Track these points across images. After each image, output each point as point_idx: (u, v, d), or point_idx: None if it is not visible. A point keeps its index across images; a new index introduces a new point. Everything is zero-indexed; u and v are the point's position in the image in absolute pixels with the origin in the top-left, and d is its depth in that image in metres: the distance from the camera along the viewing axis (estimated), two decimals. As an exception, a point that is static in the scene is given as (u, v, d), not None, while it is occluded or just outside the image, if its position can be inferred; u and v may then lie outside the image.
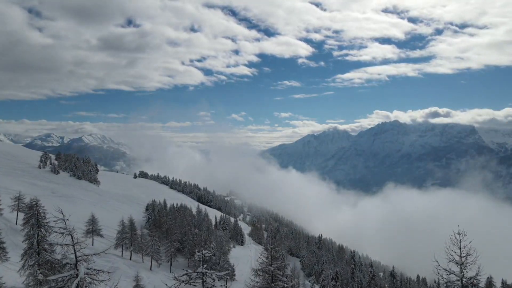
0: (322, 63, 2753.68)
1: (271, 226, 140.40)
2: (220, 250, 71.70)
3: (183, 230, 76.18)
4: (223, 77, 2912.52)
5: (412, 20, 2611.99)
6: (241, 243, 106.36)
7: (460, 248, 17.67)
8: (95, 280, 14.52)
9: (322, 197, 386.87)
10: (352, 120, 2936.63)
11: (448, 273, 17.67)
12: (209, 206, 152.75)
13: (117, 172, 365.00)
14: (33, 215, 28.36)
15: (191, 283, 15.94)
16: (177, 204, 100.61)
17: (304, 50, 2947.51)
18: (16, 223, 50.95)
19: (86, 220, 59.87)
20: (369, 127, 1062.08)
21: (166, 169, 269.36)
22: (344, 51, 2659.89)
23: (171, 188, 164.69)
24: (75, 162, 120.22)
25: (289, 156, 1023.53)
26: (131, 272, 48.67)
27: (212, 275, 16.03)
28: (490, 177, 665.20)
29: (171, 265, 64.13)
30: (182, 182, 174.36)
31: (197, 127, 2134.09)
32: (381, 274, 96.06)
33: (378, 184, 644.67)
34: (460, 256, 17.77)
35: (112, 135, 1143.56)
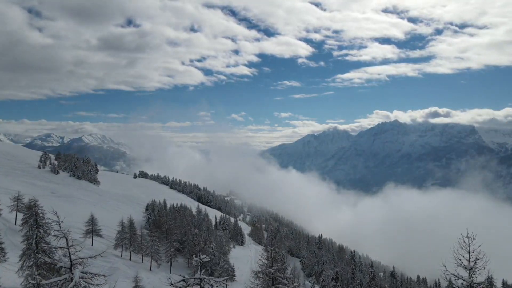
0: (322, 63, 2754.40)
1: (271, 226, 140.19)
2: (220, 250, 71.52)
3: (183, 230, 76.00)
4: (223, 77, 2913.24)
5: (412, 20, 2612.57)
6: (241, 243, 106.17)
7: (469, 252, 17.16)
8: (91, 284, 14.13)
9: (322, 197, 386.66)
10: (352, 120, 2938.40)
11: (456, 278, 17.18)
12: (209, 206, 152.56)
13: (117, 172, 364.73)
14: (31, 216, 28.19)
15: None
16: (177, 204, 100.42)
17: (304, 50, 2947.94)
18: (15, 223, 50.76)
19: (85, 220, 59.67)
20: (369, 127, 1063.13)
21: (166, 169, 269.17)
22: (344, 51, 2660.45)
23: (171, 188, 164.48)
24: (75, 162, 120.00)
25: (289, 156, 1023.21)
26: (131, 272, 48.50)
27: (210, 281, 15.72)
28: (490, 177, 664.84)
29: (171, 265, 63.96)
30: (182, 182, 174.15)
31: (197, 127, 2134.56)
32: (381, 274, 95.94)
33: (378, 184, 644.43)
34: (469, 261, 17.15)
35: (112, 135, 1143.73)
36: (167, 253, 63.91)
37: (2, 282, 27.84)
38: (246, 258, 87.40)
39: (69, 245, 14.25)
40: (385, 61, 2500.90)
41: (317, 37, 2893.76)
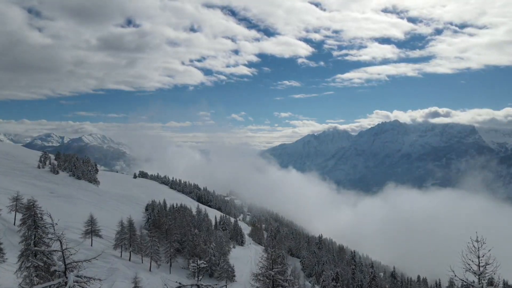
0: (322, 63, 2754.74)
1: (271, 226, 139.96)
2: (220, 250, 71.30)
3: (182, 230, 75.77)
4: (223, 77, 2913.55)
5: (412, 20, 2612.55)
6: (241, 243, 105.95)
7: (478, 257, 16.22)
8: None
9: (322, 197, 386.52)
10: (352, 120, 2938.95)
11: (465, 283, 16.54)
12: (209, 206, 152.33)
13: (117, 172, 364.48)
14: (30, 216, 27.98)
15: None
16: (176, 204, 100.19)
17: (304, 50, 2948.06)
18: (14, 224, 50.55)
19: (85, 220, 59.46)
20: (369, 127, 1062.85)
21: (166, 169, 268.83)
22: (344, 51, 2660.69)
23: (171, 188, 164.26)
24: (75, 162, 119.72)
25: (289, 156, 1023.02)
26: (130, 273, 48.28)
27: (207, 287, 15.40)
28: (490, 177, 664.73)
29: (170, 266, 63.76)
30: (182, 182, 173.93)
31: (197, 127, 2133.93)
32: (382, 274, 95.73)
33: (378, 184, 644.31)
34: (479, 266, 16.42)
35: (112, 135, 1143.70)
36: (167, 254, 63.68)
37: (1, 283, 27.66)
38: (246, 258, 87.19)
39: (63, 248, 13.89)
40: (385, 61, 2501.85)
41: (317, 37, 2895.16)
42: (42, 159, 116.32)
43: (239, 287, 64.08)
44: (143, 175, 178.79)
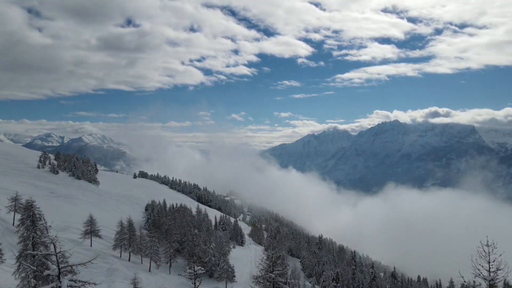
0: (321, 63, 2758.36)
1: (271, 226, 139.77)
2: (220, 251, 71.04)
3: (182, 230, 75.53)
4: (222, 77, 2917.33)
5: (412, 20, 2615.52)
6: (241, 243, 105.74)
7: (489, 262, 15.74)
8: None
9: (322, 197, 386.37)
10: (352, 120, 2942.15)
11: None
12: (209, 206, 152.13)
13: (117, 172, 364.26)
14: (28, 217, 27.76)
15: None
16: (176, 204, 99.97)
17: (304, 50, 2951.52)
18: (13, 224, 50.34)
19: (84, 220, 59.22)
20: (369, 127, 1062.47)
21: (166, 169, 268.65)
22: (344, 51, 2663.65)
23: (171, 188, 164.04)
24: (75, 162, 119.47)
25: (289, 156, 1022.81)
26: (130, 273, 48.03)
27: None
28: (490, 177, 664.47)
29: (170, 266, 63.51)
30: (182, 182, 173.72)
31: (197, 127, 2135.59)
32: (382, 274, 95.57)
33: (378, 184, 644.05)
34: (489, 271, 15.76)
35: (112, 135, 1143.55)
36: (167, 254, 63.41)
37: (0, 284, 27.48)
38: (246, 258, 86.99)
39: (57, 252, 13.57)
40: (385, 61, 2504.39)
41: (316, 37, 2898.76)
42: (42, 159, 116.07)
43: (239, 287, 63.86)
44: (143, 175, 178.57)
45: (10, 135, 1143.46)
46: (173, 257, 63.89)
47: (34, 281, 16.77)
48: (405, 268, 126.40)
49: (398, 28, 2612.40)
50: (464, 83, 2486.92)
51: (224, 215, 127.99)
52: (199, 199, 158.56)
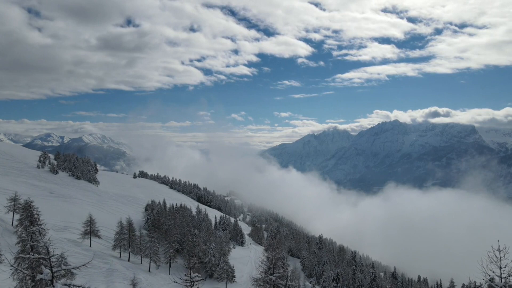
0: (321, 63, 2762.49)
1: (271, 226, 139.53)
2: (219, 251, 70.81)
3: (182, 230, 75.28)
4: (222, 77, 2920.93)
5: (412, 20, 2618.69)
6: (241, 243, 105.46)
7: (500, 267, 14.77)
8: None
9: (322, 197, 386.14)
10: (352, 120, 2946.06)
11: None
12: (209, 206, 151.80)
13: (117, 172, 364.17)
14: (26, 217, 27.53)
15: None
16: (176, 204, 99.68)
17: (304, 50, 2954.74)
18: (12, 224, 50.10)
19: (84, 220, 59.00)
20: (369, 126, 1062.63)
21: (166, 169, 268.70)
22: (344, 51, 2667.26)
23: (170, 188, 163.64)
24: (74, 162, 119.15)
25: (289, 155, 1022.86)
26: (129, 274, 47.82)
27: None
28: (490, 176, 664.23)
29: (170, 266, 63.28)
30: (182, 182, 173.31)
31: (197, 127, 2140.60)
32: (382, 274, 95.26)
33: (378, 184, 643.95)
34: (500, 277, 14.82)
35: (112, 135, 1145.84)
36: (166, 254, 63.16)
37: (-3, 284, 27.24)
38: (246, 258, 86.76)
39: (50, 255, 13.17)
40: (385, 61, 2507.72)
41: (316, 37, 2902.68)
42: (42, 159, 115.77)
43: (239, 287, 63.64)
44: (142, 175, 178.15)
45: (10, 135, 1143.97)
46: (173, 257, 63.63)
47: (32, 283, 16.54)
48: (406, 268, 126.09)
49: (398, 28, 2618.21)
50: (464, 83, 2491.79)
51: (224, 215, 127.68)
52: (199, 199, 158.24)
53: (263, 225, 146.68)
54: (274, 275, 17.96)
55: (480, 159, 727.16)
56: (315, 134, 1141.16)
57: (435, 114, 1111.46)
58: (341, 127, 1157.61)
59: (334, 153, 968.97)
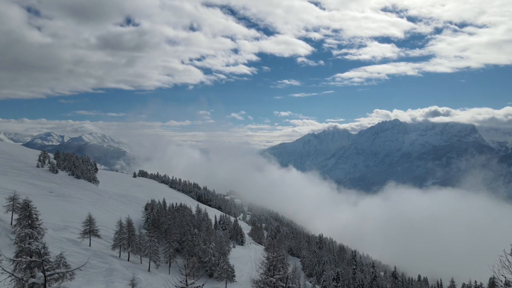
0: (321, 62, 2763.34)
1: (271, 225, 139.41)
2: (219, 250, 70.67)
3: (182, 230, 75.09)
4: (222, 76, 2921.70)
5: (412, 19, 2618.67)
6: (241, 243, 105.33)
7: None
8: None
9: (322, 196, 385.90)
10: (352, 119, 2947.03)
11: None
12: (209, 205, 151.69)
13: (117, 171, 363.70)
14: (25, 217, 27.34)
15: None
16: (176, 204, 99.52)
17: (304, 49, 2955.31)
18: (11, 224, 49.91)
19: (83, 220, 58.83)
20: (369, 126, 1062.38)
21: (166, 168, 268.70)
22: (344, 50, 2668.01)
23: (170, 187, 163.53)
24: (74, 161, 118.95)
25: (289, 155, 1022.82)
26: (129, 273, 47.63)
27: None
28: (490, 176, 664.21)
29: (169, 266, 63.11)
30: (182, 181, 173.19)
31: (197, 126, 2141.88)
32: (382, 273, 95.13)
33: (378, 183, 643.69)
34: None
35: (112, 134, 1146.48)
36: (166, 254, 62.98)
37: (-5, 284, 27.02)
38: (246, 258, 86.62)
39: (42, 258, 12.87)
40: (385, 60, 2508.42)
41: (316, 36, 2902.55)
42: (41, 158, 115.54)
43: (239, 287, 63.49)
44: (142, 174, 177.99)
45: (10, 134, 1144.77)
46: (172, 257, 63.43)
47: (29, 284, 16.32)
48: (406, 267, 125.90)
49: (398, 27, 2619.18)
50: (464, 82, 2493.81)
51: (224, 214, 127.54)
52: (199, 198, 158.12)
53: (263, 225, 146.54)
54: (274, 277, 17.73)
55: (480, 158, 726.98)
56: (315, 133, 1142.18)
57: (435, 113, 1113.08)
58: (341, 126, 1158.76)
59: (334, 152, 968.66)
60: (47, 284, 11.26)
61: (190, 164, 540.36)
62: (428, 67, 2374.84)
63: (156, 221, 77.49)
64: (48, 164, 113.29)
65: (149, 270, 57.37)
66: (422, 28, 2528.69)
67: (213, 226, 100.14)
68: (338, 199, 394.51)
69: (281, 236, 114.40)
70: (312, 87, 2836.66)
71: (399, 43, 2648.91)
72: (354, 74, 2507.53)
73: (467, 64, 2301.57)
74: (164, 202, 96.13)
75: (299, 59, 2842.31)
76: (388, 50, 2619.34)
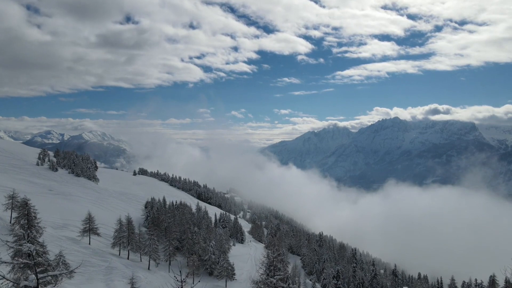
0: (321, 60, 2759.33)
1: (271, 223, 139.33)
2: (219, 248, 70.53)
3: (182, 228, 74.97)
4: (222, 74, 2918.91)
5: (411, 17, 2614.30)
6: (241, 241, 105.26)
7: None
8: None
9: (322, 194, 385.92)
10: (352, 117, 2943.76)
11: None
12: (209, 203, 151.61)
13: (117, 169, 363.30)
14: (23, 215, 27.13)
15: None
16: (176, 202, 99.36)
17: (303, 47, 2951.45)
18: (10, 222, 49.73)
19: (83, 218, 58.66)
20: (369, 124, 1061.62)
21: (166, 166, 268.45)
22: (344, 48, 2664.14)
23: (170, 185, 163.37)
24: (74, 159, 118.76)
25: (289, 153, 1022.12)
26: (128, 272, 47.52)
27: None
28: (490, 174, 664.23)
29: (169, 264, 63.00)
30: (182, 179, 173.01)
31: (197, 124, 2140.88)
32: (382, 271, 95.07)
33: (378, 181, 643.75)
34: None
35: (112, 132, 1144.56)
36: (166, 252, 62.87)
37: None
38: (246, 256, 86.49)
39: (34, 260, 12.55)
40: (385, 58, 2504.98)
41: (316, 34, 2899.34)
42: (41, 156, 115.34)
43: (239, 285, 63.37)
44: (142, 172, 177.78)
45: (10, 132, 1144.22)
46: (172, 255, 63.33)
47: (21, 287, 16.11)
48: (406, 265, 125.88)
49: (397, 25, 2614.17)
50: (464, 80, 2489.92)
51: (224, 212, 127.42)
52: (199, 196, 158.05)
53: (263, 223, 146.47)
54: (274, 277, 17.51)
55: (480, 156, 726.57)
56: (315, 131, 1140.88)
57: (435, 111, 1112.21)
58: (341, 124, 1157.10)
59: (334, 150, 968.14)
60: (39, 286, 11.03)
61: (190, 162, 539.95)
62: (428, 65, 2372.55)
63: (156, 219, 77.35)
64: (48, 162, 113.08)
65: (149, 269, 57.25)
66: (422, 26, 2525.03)
67: (213, 224, 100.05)
68: (338, 197, 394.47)
69: (281, 234, 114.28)
70: (312, 85, 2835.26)
71: (399, 41, 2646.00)
72: (354, 72, 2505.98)
73: (467, 62, 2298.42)
74: (164, 200, 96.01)
75: (299, 57, 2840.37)
76: (388, 48, 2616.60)
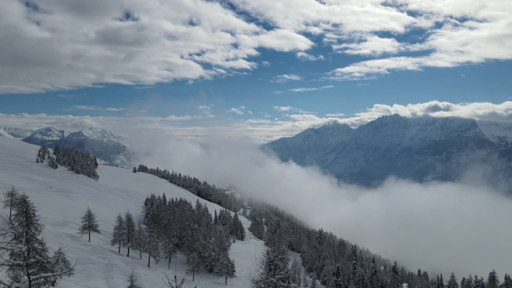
0: (321, 57, 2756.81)
1: (272, 220, 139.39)
2: (219, 245, 70.48)
3: (182, 225, 74.89)
4: (222, 71, 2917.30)
5: (412, 13, 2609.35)
6: (241, 237, 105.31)
7: None
8: None
9: (322, 191, 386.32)
10: (352, 114, 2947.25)
11: None
12: (209, 200, 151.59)
13: (117, 166, 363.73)
14: (21, 213, 26.91)
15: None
16: (176, 199, 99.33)
17: (303, 43, 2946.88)
18: (9, 219, 49.61)
19: (83, 215, 58.56)
20: (369, 120, 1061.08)
21: (166, 163, 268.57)
22: (344, 45, 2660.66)
23: (170, 182, 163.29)
24: (74, 156, 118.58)
25: (289, 149, 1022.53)
26: (128, 269, 47.48)
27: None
28: (490, 170, 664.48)
29: (169, 261, 62.94)
30: (182, 176, 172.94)
31: (197, 121, 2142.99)
32: (382, 268, 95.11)
33: (378, 178, 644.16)
34: None
35: (112, 129, 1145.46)
36: (166, 249, 62.79)
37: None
38: (246, 253, 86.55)
39: (27, 261, 12.35)
40: (385, 55, 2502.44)
41: (316, 30, 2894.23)
42: (41, 153, 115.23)
43: (239, 282, 63.37)
44: (142, 169, 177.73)
45: (10, 129, 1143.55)
46: (172, 252, 63.26)
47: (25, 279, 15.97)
48: (406, 262, 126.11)
49: (398, 22, 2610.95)
50: (464, 76, 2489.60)
51: (224, 209, 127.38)
52: (199, 193, 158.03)
53: (263, 219, 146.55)
54: (275, 276, 17.35)
55: (480, 153, 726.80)
56: (315, 128, 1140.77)
57: (435, 108, 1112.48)
58: (341, 121, 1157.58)
59: (334, 147, 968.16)
60: (32, 288, 10.87)
61: (190, 159, 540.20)
62: (429, 61, 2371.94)
63: (156, 216, 77.24)
64: (48, 159, 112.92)
65: (148, 266, 57.20)
66: (422, 23, 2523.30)
67: (213, 221, 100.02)
68: (338, 193, 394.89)
69: (281, 231, 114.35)
70: (312, 82, 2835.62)
71: (399, 37, 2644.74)
72: (354, 69, 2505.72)
73: (468, 58, 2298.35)
74: (164, 197, 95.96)
75: (299, 54, 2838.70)
76: (388, 44, 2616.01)
